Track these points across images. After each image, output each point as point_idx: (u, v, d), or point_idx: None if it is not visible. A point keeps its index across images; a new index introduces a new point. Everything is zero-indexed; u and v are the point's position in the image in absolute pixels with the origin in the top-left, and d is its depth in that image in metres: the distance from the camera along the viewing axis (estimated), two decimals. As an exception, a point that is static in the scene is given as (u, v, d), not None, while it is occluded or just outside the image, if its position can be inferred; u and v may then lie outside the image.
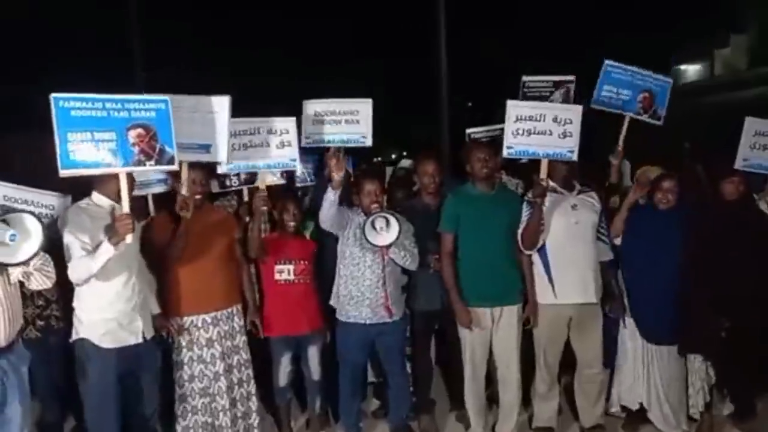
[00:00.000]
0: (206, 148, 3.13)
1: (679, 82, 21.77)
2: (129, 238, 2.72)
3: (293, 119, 3.54)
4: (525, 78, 4.24)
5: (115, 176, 2.72)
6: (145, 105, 2.74)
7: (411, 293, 3.70)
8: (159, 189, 3.81)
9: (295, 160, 3.55)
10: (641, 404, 3.66)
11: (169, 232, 3.18)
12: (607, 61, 3.76)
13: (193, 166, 3.17)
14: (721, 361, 3.44)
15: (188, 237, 3.16)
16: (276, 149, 3.50)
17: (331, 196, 3.33)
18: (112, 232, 2.71)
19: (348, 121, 3.74)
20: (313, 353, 3.71)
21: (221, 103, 3.15)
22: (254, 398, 3.54)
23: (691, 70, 21.98)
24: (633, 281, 3.59)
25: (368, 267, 3.47)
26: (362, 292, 3.47)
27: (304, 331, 3.64)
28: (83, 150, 2.63)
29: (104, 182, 2.86)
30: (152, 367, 3.16)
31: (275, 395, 3.75)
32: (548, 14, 19.46)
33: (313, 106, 3.69)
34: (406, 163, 5.08)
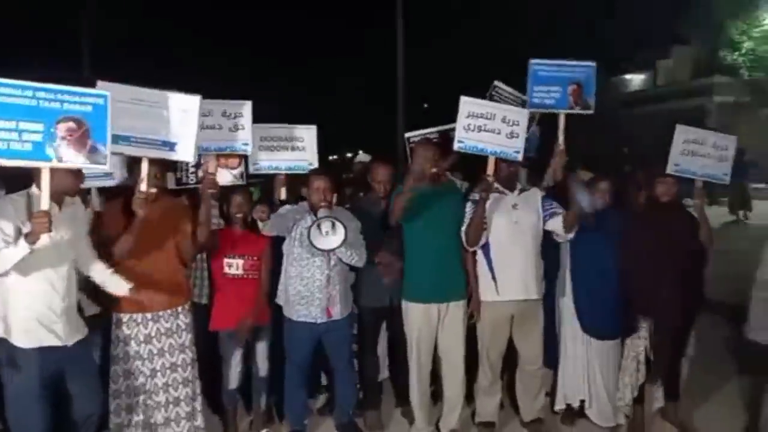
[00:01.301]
0: (171, 146, 3.03)
1: (623, 92, 22.68)
2: (45, 238, 2.54)
3: (249, 103, 3.47)
4: (497, 83, 4.24)
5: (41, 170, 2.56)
6: (81, 98, 2.58)
7: (359, 290, 3.73)
8: (105, 183, 3.65)
9: (247, 144, 3.48)
10: (582, 401, 3.79)
11: (119, 227, 3.06)
12: (532, 60, 3.82)
13: (150, 160, 3.06)
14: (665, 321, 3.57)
15: (138, 233, 3.06)
16: (229, 132, 3.44)
17: (261, 225, 3.39)
18: (30, 229, 2.56)
19: (294, 147, 3.78)
20: (261, 349, 3.68)
21: (192, 102, 3.07)
22: (199, 398, 3.44)
23: (636, 80, 22.88)
24: (578, 278, 3.70)
25: (317, 267, 3.47)
26: (311, 292, 3.47)
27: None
28: (3, 139, 2.45)
29: (36, 175, 2.68)
30: (82, 369, 2.96)
31: (224, 396, 3.69)
32: (498, 25, 19.96)
33: (259, 132, 3.65)
34: (363, 157, 5.08)
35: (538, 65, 3.84)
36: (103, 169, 2.77)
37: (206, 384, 3.74)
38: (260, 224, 3.39)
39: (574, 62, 3.90)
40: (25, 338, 2.76)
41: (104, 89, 2.80)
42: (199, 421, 3.43)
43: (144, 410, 3.26)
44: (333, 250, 3.29)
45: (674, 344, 3.53)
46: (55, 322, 2.81)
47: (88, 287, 3.20)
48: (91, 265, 3.04)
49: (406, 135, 4.40)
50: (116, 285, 3.07)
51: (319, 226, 3.22)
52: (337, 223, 3.22)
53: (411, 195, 3.36)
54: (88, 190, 3.72)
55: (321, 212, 3.31)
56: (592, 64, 3.92)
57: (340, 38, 23.92)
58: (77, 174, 2.85)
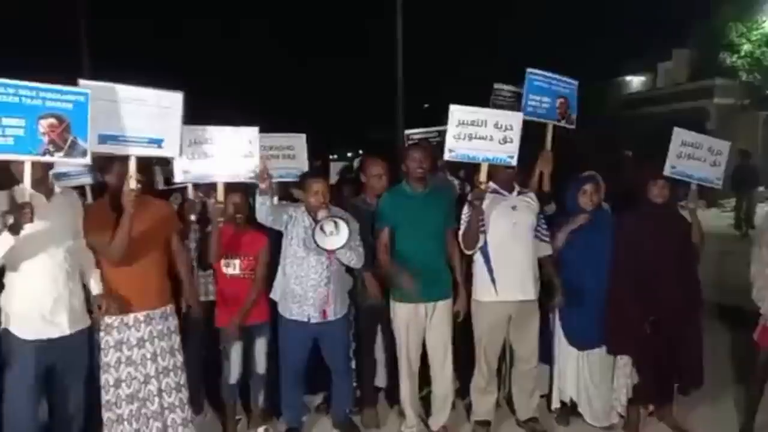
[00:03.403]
0: (157, 142, 3.04)
1: (624, 93, 22.69)
2: (28, 228, 2.61)
3: (256, 129, 3.39)
4: (497, 86, 4.32)
5: (23, 164, 2.63)
6: (62, 95, 2.67)
7: (356, 289, 3.76)
8: (86, 180, 3.68)
9: (254, 172, 3.37)
10: (571, 399, 3.82)
11: (103, 224, 3.03)
12: (528, 70, 3.93)
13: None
14: (646, 359, 3.61)
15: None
16: (237, 159, 3.35)
17: (260, 200, 3.36)
18: (13, 219, 2.60)
19: (285, 156, 3.83)
20: (259, 346, 3.70)
21: (174, 99, 3.07)
22: (188, 404, 3.33)
23: (636, 82, 22.92)
24: (565, 285, 3.69)
25: (312, 267, 3.49)
26: (305, 291, 3.49)
27: (252, 322, 3.64)
28: None
29: (17, 171, 2.71)
30: (78, 362, 3.00)
31: (223, 391, 3.71)
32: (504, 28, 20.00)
33: None
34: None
35: (533, 75, 3.96)
36: (84, 163, 2.83)
37: (207, 381, 3.79)
38: (259, 199, 3.37)
39: (563, 77, 4.06)
40: (25, 329, 2.81)
41: (86, 88, 2.82)
42: (189, 428, 3.33)
43: (137, 420, 3.16)
44: (339, 248, 3.31)
45: (671, 344, 3.54)
46: (57, 312, 2.86)
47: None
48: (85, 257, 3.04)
49: (406, 132, 4.44)
50: (95, 284, 3.07)
51: (322, 227, 3.24)
52: (341, 224, 3.25)
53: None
54: (83, 189, 3.75)
55: (321, 213, 3.33)
56: (575, 81, 4.10)
57: (340, 36, 23.93)
58: (45, 169, 2.87)
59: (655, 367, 3.59)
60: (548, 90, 3.98)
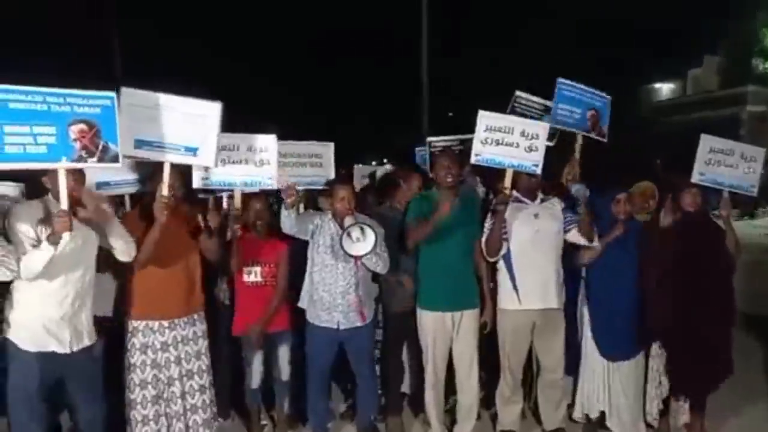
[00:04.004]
0: (193, 151, 3.08)
1: (653, 100, 22.34)
2: (66, 236, 2.61)
3: (273, 137, 3.46)
4: (518, 93, 4.29)
5: (57, 172, 2.63)
6: (89, 101, 2.68)
7: (384, 294, 3.78)
8: (132, 189, 3.76)
9: (272, 178, 3.45)
10: (601, 412, 3.75)
11: (137, 232, 3.09)
12: (559, 79, 3.86)
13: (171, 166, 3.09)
14: (675, 352, 3.56)
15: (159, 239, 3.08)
16: (254, 167, 3.41)
17: (285, 213, 3.39)
18: (51, 229, 2.61)
19: (312, 164, 3.89)
20: (282, 353, 3.74)
21: (212, 109, 3.11)
22: (214, 405, 3.45)
23: (665, 89, 22.56)
24: (595, 296, 3.67)
25: (340, 273, 3.52)
26: (334, 297, 3.52)
27: (273, 330, 3.68)
28: (20, 144, 2.55)
29: (52, 180, 2.72)
30: (82, 375, 2.96)
31: (246, 396, 3.76)
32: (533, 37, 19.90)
33: (278, 148, 3.65)
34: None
35: (563, 85, 3.88)
36: (116, 167, 2.84)
37: (232, 386, 3.84)
38: (284, 212, 3.39)
39: (595, 90, 3.97)
40: (29, 342, 2.80)
41: (127, 96, 2.90)
42: (214, 427, 3.44)
43: (161, 420, 3.26)
44: (366, 255, 3.34)
45: (703, 358, 3.49)
46: (62, 328, 2.84)
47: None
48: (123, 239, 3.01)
49: (429, 139, 4.47)
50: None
51: (349, 233, 3.28)
52: (367, 230, 3.29)
53: (435, 227, 3.42)
54: (121, 199, 3.85)
55: (347, 220, 3.37)
56: (608, 96, 4.01)
57: (365, 46, 24.14)
58: (82, 177, 2.87)
59: (687, 353, 3.52)
60: (578, 101, 3.89)
